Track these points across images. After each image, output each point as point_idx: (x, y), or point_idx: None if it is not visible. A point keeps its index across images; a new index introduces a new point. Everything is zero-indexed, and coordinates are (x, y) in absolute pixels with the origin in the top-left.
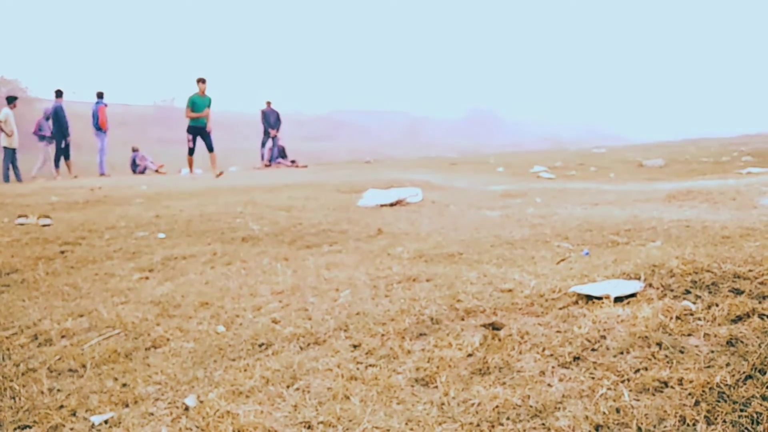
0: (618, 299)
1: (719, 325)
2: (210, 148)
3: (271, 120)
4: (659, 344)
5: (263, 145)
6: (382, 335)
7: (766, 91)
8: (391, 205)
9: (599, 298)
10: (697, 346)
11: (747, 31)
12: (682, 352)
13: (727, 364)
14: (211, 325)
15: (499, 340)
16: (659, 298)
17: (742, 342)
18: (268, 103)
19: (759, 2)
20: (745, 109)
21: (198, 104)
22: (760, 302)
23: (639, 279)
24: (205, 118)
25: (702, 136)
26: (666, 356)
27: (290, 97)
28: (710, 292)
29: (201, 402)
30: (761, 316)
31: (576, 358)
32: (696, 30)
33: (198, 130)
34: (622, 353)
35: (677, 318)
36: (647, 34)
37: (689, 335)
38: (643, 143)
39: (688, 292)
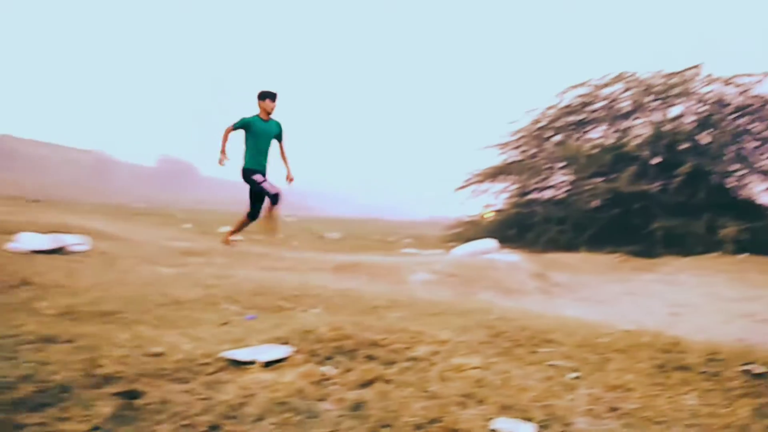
0: (268, 364)
1: (350, 389)
2: (274, 200)
3: None
4: (294, 409)
5: None
6: None
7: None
8: (50, 252)
9: (249, 363)
10: (328, 411)
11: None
12: (314, 417)
13: (351, 428)
14: None
15: (136, 410)
16: (304, 363)
17: (365, 405)
18: None
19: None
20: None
21: (260, 133)
22: (387, 368)
23: (290, 344)
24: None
25: (378, 216)
26: (299, 421)
27: None
28: (349, 358)
29: None
30: (386, 381)
31: (213, 427)
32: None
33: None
34: (259, 419)
35: (315, 383)
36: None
37: (323, 400)
38: (327, 216)
39: (330, 357)
